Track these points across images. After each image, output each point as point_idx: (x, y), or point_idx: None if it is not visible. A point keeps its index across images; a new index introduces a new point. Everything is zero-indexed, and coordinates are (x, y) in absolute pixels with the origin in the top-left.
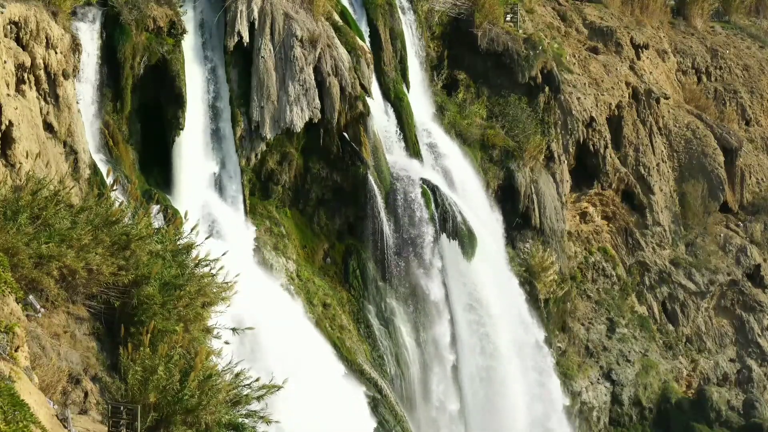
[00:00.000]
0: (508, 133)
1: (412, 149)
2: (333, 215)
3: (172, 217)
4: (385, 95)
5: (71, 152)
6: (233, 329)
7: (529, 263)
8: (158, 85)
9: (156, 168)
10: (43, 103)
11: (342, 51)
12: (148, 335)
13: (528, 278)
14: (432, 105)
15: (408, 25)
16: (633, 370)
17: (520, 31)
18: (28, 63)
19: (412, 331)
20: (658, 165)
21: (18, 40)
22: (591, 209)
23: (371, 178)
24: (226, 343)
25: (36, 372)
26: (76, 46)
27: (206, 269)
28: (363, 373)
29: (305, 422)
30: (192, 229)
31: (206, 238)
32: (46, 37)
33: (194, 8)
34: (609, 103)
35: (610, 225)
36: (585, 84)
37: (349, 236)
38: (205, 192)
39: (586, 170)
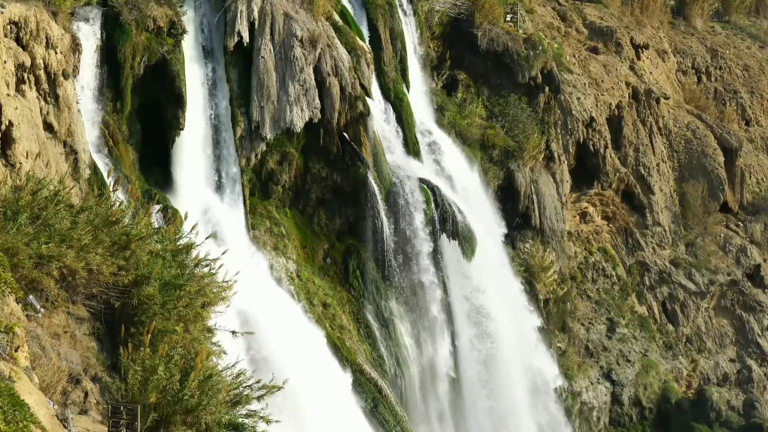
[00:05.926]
0: (508, 133)
1: (412, 149)
2: (333, 215)
3: (172, 217)
4: (385, 95)
5: (71, 152)
6: (233, 332)
7: (529, 263)
8: (158, 85)
9: (156, 168)
10: (43, 103)
11: (342, 51)
12: (149, 335)
13: (528, 278)
14: (432, 105)
15: (408, 25)
16: (633, 370)
17: (520, 31)
18: (28, 63)
19: (412, 331)
20: (658, 165)
21: (18, 40)
22: (591, 209)
23: (371, 178)
24: (224, 353)
25: (36, 372)
26: (76, 46)
27: (206, 269)
28: (363, 373)
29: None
30: (192, 229)
31: (206, 238)
32: (46, 37)
33: (194, 8)
34: (609, 103)
35: (610, 225)
36: (585, 84)
37: (349, 236)
38: (205, 192)
39: (586, 170)
